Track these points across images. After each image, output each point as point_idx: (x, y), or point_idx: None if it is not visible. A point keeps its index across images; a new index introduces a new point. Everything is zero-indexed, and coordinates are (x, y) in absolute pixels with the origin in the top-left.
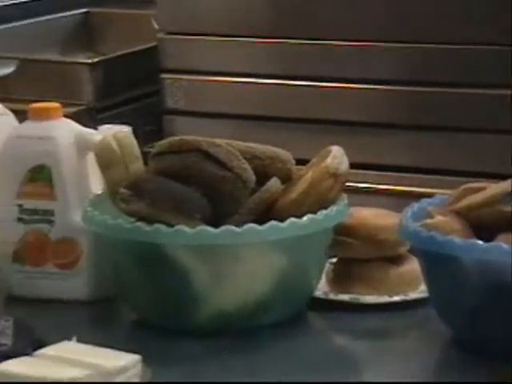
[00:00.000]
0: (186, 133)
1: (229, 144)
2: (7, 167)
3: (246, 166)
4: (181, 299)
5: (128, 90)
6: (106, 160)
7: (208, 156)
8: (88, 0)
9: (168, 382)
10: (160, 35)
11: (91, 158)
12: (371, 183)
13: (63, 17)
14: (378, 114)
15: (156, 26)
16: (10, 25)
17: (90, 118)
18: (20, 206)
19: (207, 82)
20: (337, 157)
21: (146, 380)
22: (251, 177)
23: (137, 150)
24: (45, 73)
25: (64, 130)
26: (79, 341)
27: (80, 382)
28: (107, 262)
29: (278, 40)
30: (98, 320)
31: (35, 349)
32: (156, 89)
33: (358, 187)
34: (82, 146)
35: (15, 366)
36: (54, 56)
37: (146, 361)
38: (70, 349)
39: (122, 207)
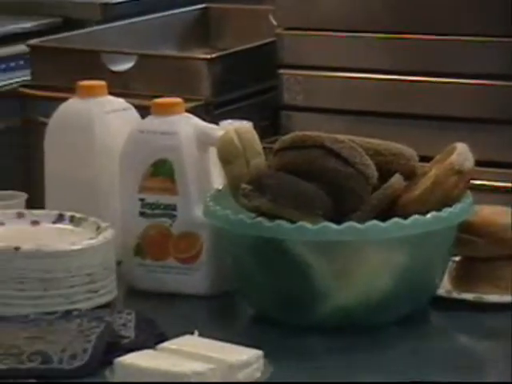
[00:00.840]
0: (303, 128)
1: (351, 140)
2: (130, 161)
3: (369, 162)
4: (301, 295)
5: (245, 85)
6: (228, 155)
7: (331, 152)
8: None
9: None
10: (278, 30)
11: (212, 152)
12: (489, 180)
13: (182, 12)
14: (496, 109)
15: (274, 22)
16: (129, 21)
17: (207, 113)
18: (142, 200)
19: (325, 77)
20: (462, 154)
21: (267, 375)
22: (374, 173)
23: (258, 146)
24: (163, 68)
25: (186, 125)
26: (199, 335)
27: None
28: (227, 256)
29: (396, 35)
30: (217, 314)
31: (157, 342)
32: (273, 84)
33: (475, 184)
34: (204, 141)
35: (138, 359)
36: (171, 51)
37: (267, 356)
38: (191, 343)
39: (243, 202)
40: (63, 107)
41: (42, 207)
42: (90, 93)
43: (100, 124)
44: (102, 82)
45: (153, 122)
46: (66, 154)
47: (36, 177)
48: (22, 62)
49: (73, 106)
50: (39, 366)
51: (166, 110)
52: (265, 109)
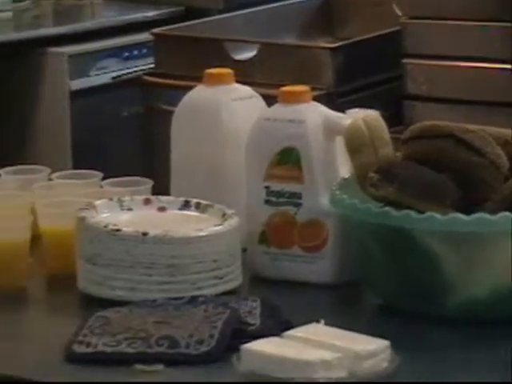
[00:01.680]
0: (426, 119)
1: (481, 130)
2: (256, 149)
3: (500, 151)
4: (429, 286)
5: (368, 74)
6: (356, 144)
7: (462, 142)
8: None
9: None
10: (402, 19)
11: (339, 141)
12: None
13: (304, 1)
14: None
15: (398, 11)
16: (250, 10)
17: (329, 102)
18: (267, 188)
19: (449, 67)
20: None
21: (394, 366)
22: (505, 163)
23: (387, 135)
24: (285, 57)
25: (313, 114)
26: (325, 323)
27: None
28: (353, 245)
29: None
30: (342, 303)
31: (282, 330)
32: (396, 74)
33: None
34: (331, 130)
35: (265, 346)
36: (294, 40)
37: (393, 347)
38: (318, 331)
39: (370, 191)
40: (190, 94)
41: (163, 193)
42: (217, 80)
43: (227, 111)
44: (229, 70)
45: (280, 110)
46: (193, 140)
47: (158, 163)
48: (144, 51)
49: (200, 93)
50: (167, 350)
51: (294, 98)
52: (387, 98)
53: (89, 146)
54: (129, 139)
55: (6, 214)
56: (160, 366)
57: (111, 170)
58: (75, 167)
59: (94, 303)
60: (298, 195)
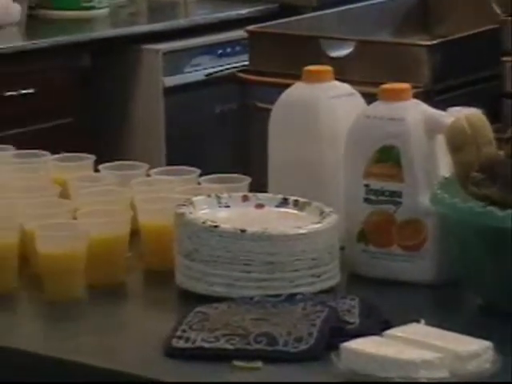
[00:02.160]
0: None
1: None
2: (356, 147)
3: None
4: None
5: (465, 72)
6: (458, 142)
7: None
8: None
9: None
10: (502, 17)
11: (439, 140)
12: None
13: None
14: None
15: (497, 9)
16: (345, 7)
17: (426, 100)
18: (367, 186)
19: None
20: None
21: (496, 367)
22: None
23: (490, 133)
24: (381, 55)
25: (414, 111)
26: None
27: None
28: (454, 245)
29: None
30: (442, 303)
31: (382, 329)
32: (495, 72)
33: None
34: (432, 128)
35: (365, 345)
36: (390, 38)
37: (495, 348)
38: (418, 331)
39: (472, 190)
40: (289, 91)
41: (257, 190)
42: (316, 78)
43: (325, 109)
44: (329, 67)
45: (380, 107)
46: (291, 137)
47: (252, 160)
48: (238, 48)
49: (298, 90)
50: (265, 347)
51: (394, 95)
52: (485, 96)
53: (182, 142)
54: (221, 136)
55: (105, 209)
56: (259, 363)
57: (204, 166)
58: (168, 163)
59: (191, 299)
60: (397, 194)
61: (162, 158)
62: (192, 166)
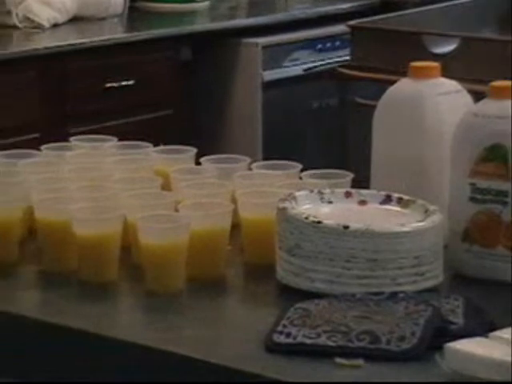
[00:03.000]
0: None
1: None
2: (462, 145)
3: None
4: None
5: None
6: None
7: None
8: None
9: None
10: None
11: None
12: None
13: None
14: None
15: None
16: (447, 4)
17: None
18: (473, 184)
19: None
20: None
21: None
22: None
23: None
24: (486, 52)
25: None
26: None
27: None
28: None
29: None
30: None
31: (487, 330)
32: None
33: None
34: None
35: (470, 346)
36: (496, 34)
37: None
38: None
39: None
40: (395, 87)
41: (355, 186)
42: (423, 74)
43: (432, 106)
44: (436, 64)
45: (489, 105)
46: (396, 134)
47: (350, 156)
48: (338, 43)
49: (404, 86)
50: (367, 345)
51: (504, 93)
52: None
53: (278, 137)
54: (317, 131)
55: (207, 202)
56: (361, 361)
57: (299, 161)
58: (265, 157)
59: (291, 294)
60: (504, 193)
61: (259, 152)
62: (289, 160)
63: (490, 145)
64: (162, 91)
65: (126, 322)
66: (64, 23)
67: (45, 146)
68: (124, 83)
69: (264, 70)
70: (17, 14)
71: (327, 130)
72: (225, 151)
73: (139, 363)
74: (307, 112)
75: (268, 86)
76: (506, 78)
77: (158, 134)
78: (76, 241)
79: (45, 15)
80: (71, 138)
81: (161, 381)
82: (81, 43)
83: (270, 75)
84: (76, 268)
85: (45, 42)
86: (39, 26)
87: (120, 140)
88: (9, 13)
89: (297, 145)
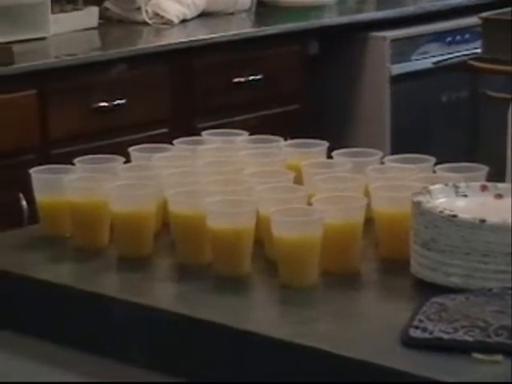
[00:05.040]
0: None
1: None
2: None
3: None
4: None
5: None
6: None
7: None
8: None
9: None
10: None
11: None
12: None
13: None
14: None
15: None
16: None
17: None
18: None
19: None
20: None
21: None
22: None
23: None
24: None
25: None
26: None
27: None
28: None
29: None
30: None
31: None
32: None
33: None
34: None
35: None
36: None
37: None
38: None
39: None
40: None
41: (495, 180)
42: None
43: None
44: None
45: None
46: None
47: (482, 149)
48: (467, 36)
49: None
50: (506, 340)
51: None
52: None
53: (407, 130)
54: (448, 125)
55: (341, 195)
56: (499, 357)
57: (429, 155)
58: (393, 151)
59: (426, 288)
60: None
61: (387, 145)
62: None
63: None
64: (290, 86)
65: (260, 315)
66: (193, 19)
67: (177, 140)
68: (251, 78)
69: (392, 63)
70: (146, 11)
71: (457, 124)
72: (352, 147)
73: (273, 356)
74: (436, 106)
75: (396, 79)
76: None
77: (286, 129)
78: (210, 234)
79: (174, 11)
80: (203, 133)
81: (295, 375)
82: (209, 38)
83: (398, 69)
84: (210, 261)
85: (174, 38)
86: (168, 22)
87: (249, 135)
88: (138, 9)
89: (425, 139)
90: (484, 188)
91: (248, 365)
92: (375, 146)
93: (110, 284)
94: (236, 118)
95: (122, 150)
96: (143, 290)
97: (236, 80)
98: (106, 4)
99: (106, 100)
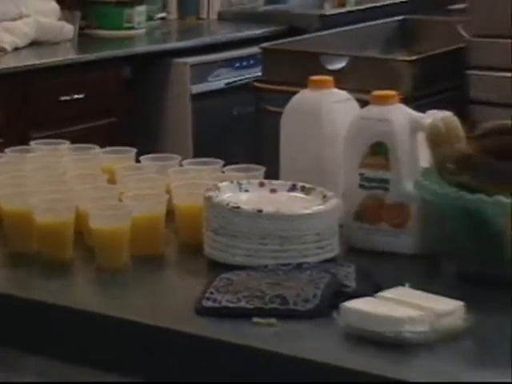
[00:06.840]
0: (486, 120)
1: None
2: (353, 143)
3: None
4: (497, 255)
5: (438, 82)
6: (435, 139)
7: None
8: (406, 9)
9: None
10: (467, 38)
11: (420, 137)
12: None
13: (385, 23)
14: None
15: (463, 32)
16: (342, 29)
17: (408, 105)
18: (362, 174)
19: (504, 77)
20: None
21: (468, 324)
22: None
23: (461, 132)
24: (371, 68)
25: (399, 114)
26: (409, 287)
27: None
28: (432, 223)
29: None
30: (423, 271)
31: (374, 291)
32: (462, 83)
33: None
34: (414, 127)
35: (360, 304)
36: (377, 54)
37: (468, 308)
38: (404, 293)
39: (448, 179)
40: (297, 97)
41: (271, 178)
42: (320, 86)
43: (327, 111)
44: (330, 78)
45: (371, 110)
46: (298, 135)
47: (266, 154)
48: (252, 62)
49: (305, 96)
50: (279, 306)
51: (383, 100)
52: (454, 102)
53: (206, 140)
54: (239, 134)
55: (146, 193)
56: (273, 320)
57: (224, 158)
58: (195, 156)
59: (217, 267)
60: (386, 181)
61: (190, 151)
62: (214, 158)
63: (373, 142)
64: (108, 103)
65: (80, 293)
66: (24, 47)
67: (8, 148)
68: (76, 96)
69: (192, 84)
70: None
71: (245, 133)
72: (160, 152)
73: (91, 328)
74: (229, 119)
75: (196, 98)
76: (384, 89)
77: (104, 139)
78: (37, 227)
79: (7, 40)
80: (31, 142)
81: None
82: (40, 63)
83: (198, 89)
84: (37, 249)
85: (7, 63)
86: (2, 50)
87: (72, 143)
88: None
89: (221, 146)
90: (262, 184)
91: (68, 337)
92: (180, 153)
93: None
94: (63, 130)
95: None
96: None
97: (63, 98)
98: None
99: None
